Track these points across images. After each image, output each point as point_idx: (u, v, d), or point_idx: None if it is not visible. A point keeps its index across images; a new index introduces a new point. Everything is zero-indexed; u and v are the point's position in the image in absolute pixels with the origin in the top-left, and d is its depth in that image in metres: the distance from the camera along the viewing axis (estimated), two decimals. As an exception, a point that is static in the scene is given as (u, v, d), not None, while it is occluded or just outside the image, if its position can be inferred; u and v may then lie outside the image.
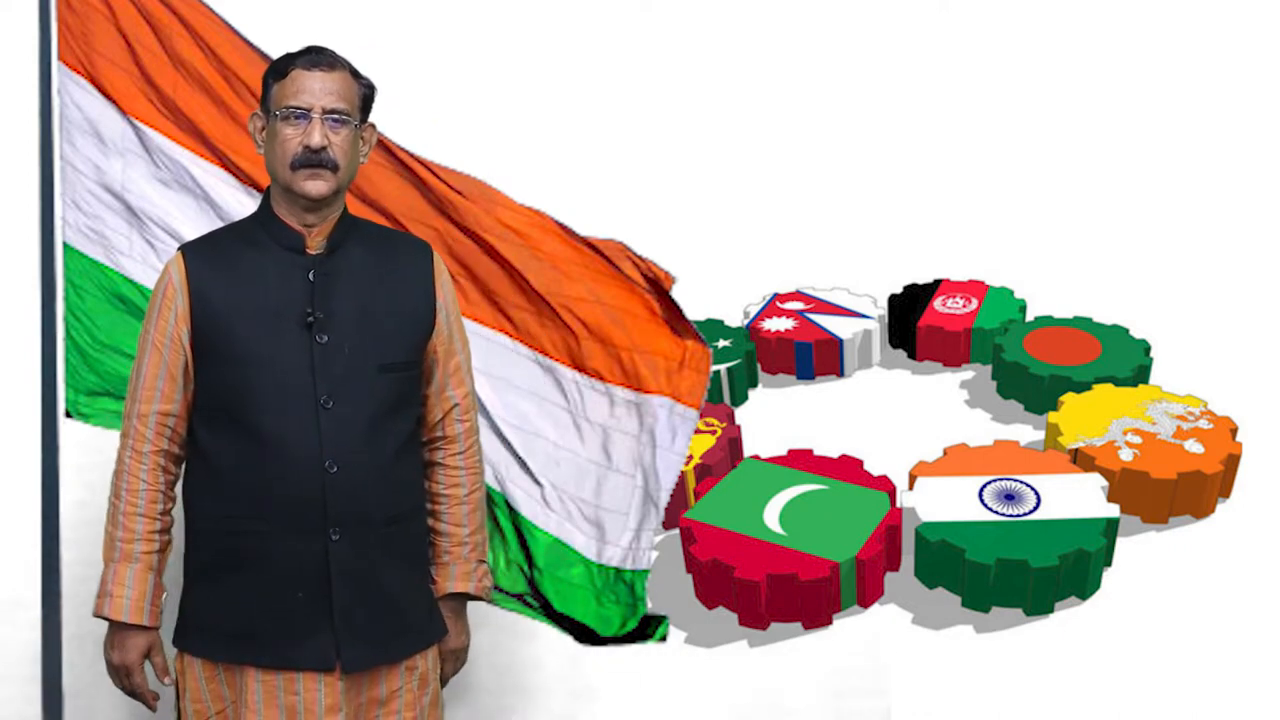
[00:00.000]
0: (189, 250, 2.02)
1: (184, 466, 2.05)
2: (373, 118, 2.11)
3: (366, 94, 2.05)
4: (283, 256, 1.99)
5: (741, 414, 4.03)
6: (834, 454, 3.52)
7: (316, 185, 1.95)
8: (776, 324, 4.42)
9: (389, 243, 2.12)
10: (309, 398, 1.93)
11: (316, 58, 1.97)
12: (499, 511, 2.53)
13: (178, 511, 2.07)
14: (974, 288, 4.61)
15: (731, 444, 3.64)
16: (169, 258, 2.47)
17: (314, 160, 1.94)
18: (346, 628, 1.96)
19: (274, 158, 1.97)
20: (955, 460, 3.44)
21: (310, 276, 1.98)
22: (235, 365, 1.94)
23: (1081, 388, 3.85)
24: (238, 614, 1.96)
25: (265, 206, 2.03)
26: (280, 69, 1.98)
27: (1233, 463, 3.43)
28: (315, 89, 1.94)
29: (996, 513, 3.17)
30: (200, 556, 2.00)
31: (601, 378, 2.47)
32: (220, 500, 1.96)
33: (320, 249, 2.01)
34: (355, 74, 2.03)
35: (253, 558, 1.94)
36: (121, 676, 2.00)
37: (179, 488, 2.06)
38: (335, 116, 1.96)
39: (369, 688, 2.01)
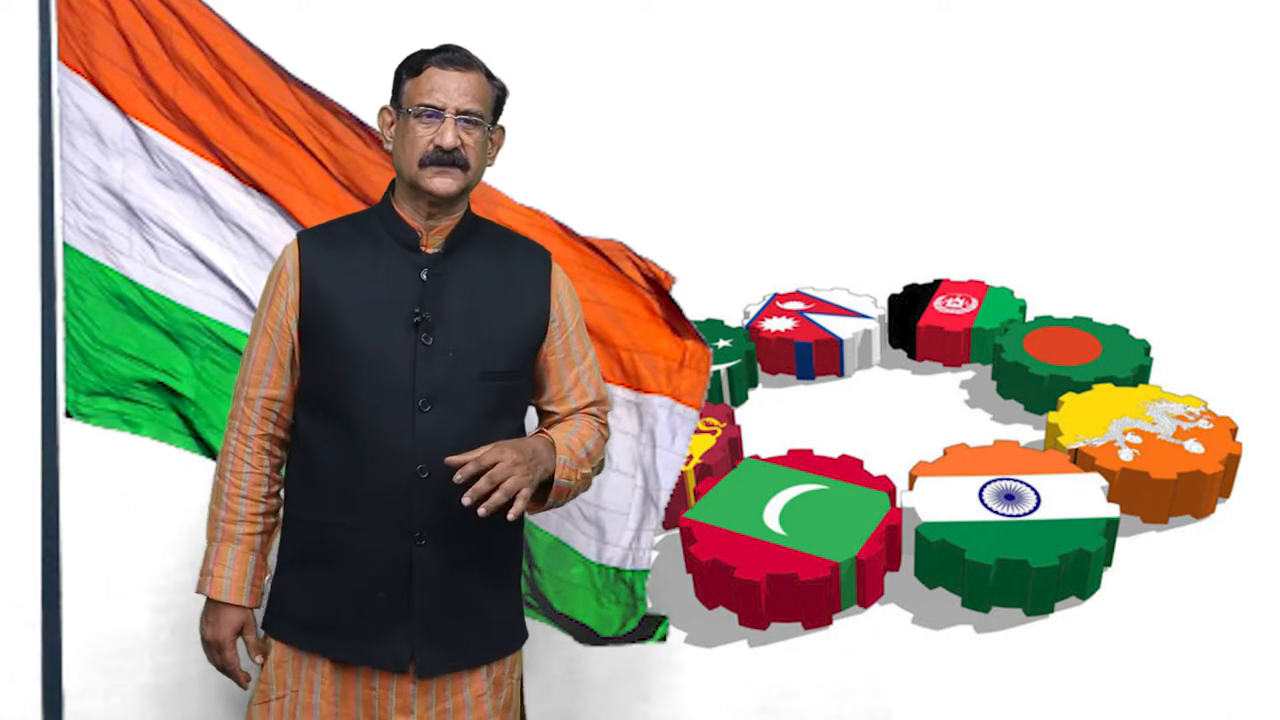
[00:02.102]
0: (305, 238, 1.99)
1: (288, 452, 2.04)
2: (369, 116, 2.10)
3: (499, 96, 2.01)
4: (398, 253, 1.96)
5: (741, 414, 4.03)
6: (834, 454, 3.52)
7: (445, 183, 1.92)
8: (776, 324, 4.42)
9: (507, 247, 2.07)
10: (407, 398, 1.90)
11: (452, 56, 1.94)
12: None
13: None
14: (974, 288, 4.61)
15: (731, 444, 3.64)
16: (171, 257, 2.47)
17: (445, 159, 1.91)
18: (425, 632, 1.94)
19: (403, 154, 1.94)
20: (955, 460, 3.44)
21: (423, 276, 1.95)
22: (338, 357, 1.92)
23: (1081, 388, 3.85)
24: (319, 605, 1.95)
25: (386, 202, 2.01)
26: (415, 65, 1.95)
27: (1233, 463, 3.43)
28: (450, 88, 1.91)
29: (996, 513, 3.18)
30: (291, 544, 1.99)
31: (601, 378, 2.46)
32: (314, 491, 1.94)
33: (437, 248, 1.98)
34: (489, 75, 1.99)
35: (339, 553, 1.93)
36: (213, 651, 1.99)
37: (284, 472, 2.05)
38: (468, 117, 1.92)
39: (453, 694, 1.99)
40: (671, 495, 2.45)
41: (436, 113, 1.91)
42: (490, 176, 2.27)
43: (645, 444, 2.46)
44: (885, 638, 3.01)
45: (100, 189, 2.49)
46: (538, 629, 2.51)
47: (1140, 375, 3.95)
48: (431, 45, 1.98)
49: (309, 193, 2.47)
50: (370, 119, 2.11)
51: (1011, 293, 4.56)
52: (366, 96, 2.32)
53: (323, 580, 1.95)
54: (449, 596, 1.95)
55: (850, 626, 3.06)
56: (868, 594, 3.11)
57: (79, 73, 2.46)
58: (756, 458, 3.54)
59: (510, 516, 1.79)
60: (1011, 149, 5.72)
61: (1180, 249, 4.95)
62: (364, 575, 1.92)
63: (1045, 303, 4.55)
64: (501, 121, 2.05)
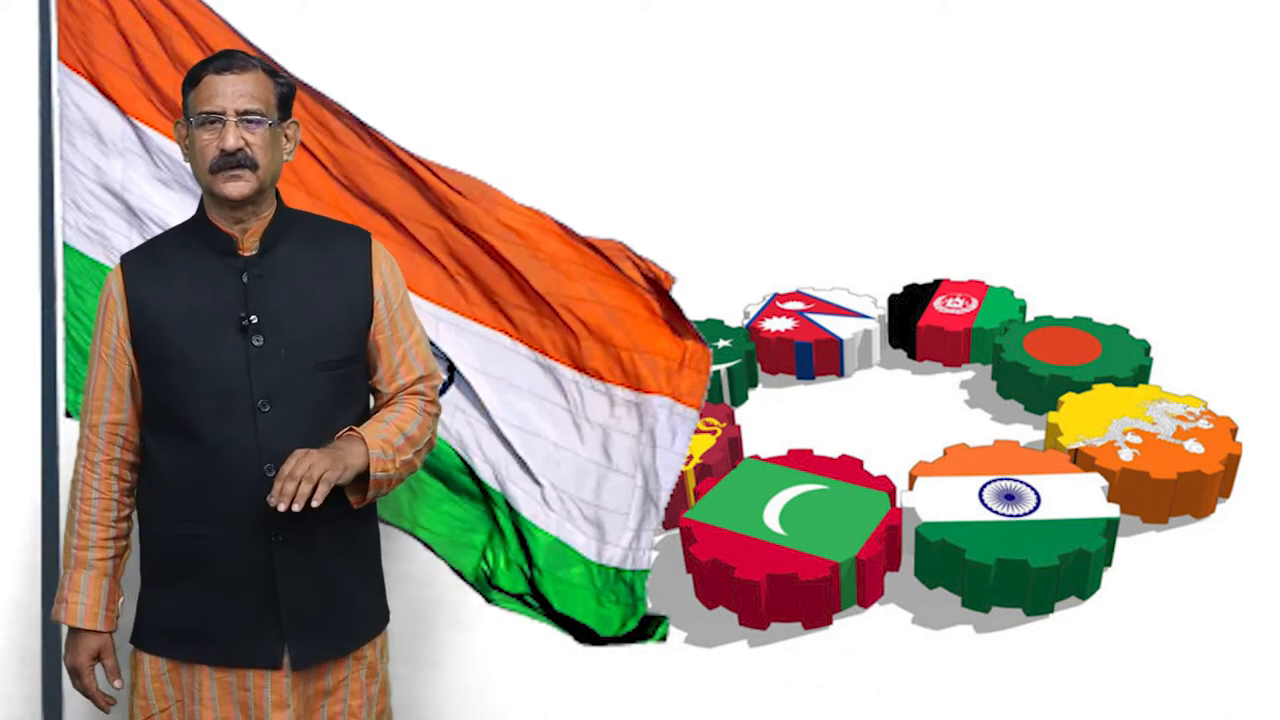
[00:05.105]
0: (126, 261, 2.04)
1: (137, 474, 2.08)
2: (374, 117, 2.11)
3: (284, 92, 2.04)
4: (215, 260, 2.00)
5: (741, 414, 4.03)
6: (834, 454, 3.52)
7: (237, 186, 1.96)
8: (776, 324, 4.42)
9: (326, 236, 2.10)
10: (246, 401, 1.95)
11: (227, 62, 1.99)
12: (499, 511, 2.53)
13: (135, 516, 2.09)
14: (974, 288, 4.61)
15: (731, 444, 3.65)
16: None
17: (231, 162, 1.95)
18: (295, 625, 2.00)
19: (195, 164, 1.99)
20: (955, 460, 3.44)
21: (244, 279, 1.99)
22: (174, 371, 1.96)
23: (1081, 388, 3.85)
24: (189, 615, 2.00)
25: (201, 212, 2.04)
26: (194, 77, 2.00)
27: (1233, 463, 3.43)
28: (227, 92, 1.96)
29: (996, 513, 3.18)
30: (152, 560, 2.03)
31: (601, 377, 2.47)
32: (167, 505, 1.99)
33: (253, 249, 2.02)
34: (271, 73, 2.03)
35: (200, 561, 1.98)
36: (74, 677, 2.05)
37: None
38: (249, 117, 1.97)
39: (316, 679, 2.06)
40: (671, 495, 2.45)
41: (217, 118, 1.95)
42: (491, 177, 2.27)
43: (645, 444, 2.46)
44: (885, 638, 3.01)
45: (100, 189, 2.49)
46: (537, 629, 2.51)
47: (1140, 375, 3.95)
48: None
49: (309, 193, 2.47)
50: (371, 119, 2.11)
51: (1011, 293, 4.56)
52: (366, 96, 2.32)
53: (189, 590, 1.99)
54: (314, 589, 2.01)
55: (850, 626, 3.06)
56: (868, 594, 3.11)
57: (79, 73, 2.47)
58: (756, 458, 3.54)
59: (315, 503, 1.83)
60: (1011, 149, 5.72)
61: (1180, 249, 4.95)
62: (228, 579, 1.97)
63: (1045, 303, 4.55)
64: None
